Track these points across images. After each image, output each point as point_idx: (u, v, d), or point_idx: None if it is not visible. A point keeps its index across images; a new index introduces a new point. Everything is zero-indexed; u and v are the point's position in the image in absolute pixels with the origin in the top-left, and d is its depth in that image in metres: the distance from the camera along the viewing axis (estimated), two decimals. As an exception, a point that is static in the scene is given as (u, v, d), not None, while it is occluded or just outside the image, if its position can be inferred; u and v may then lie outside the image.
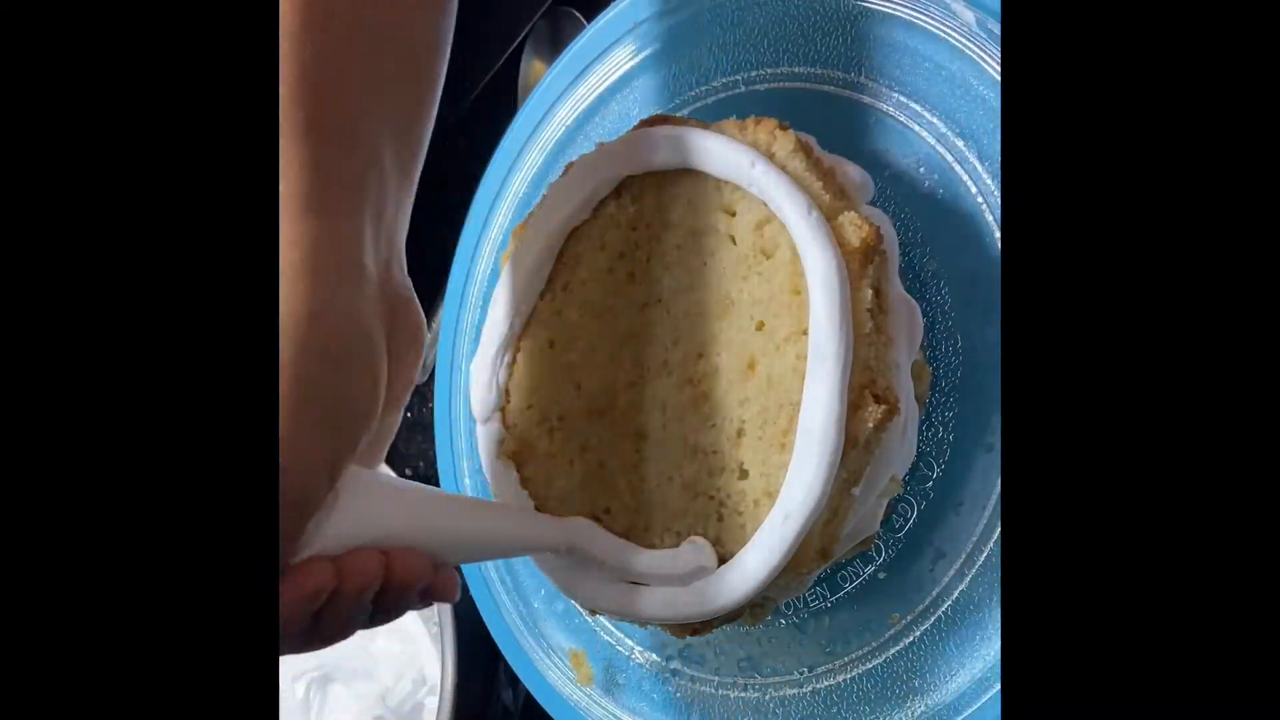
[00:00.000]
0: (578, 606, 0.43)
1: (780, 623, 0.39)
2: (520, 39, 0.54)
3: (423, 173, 0.40)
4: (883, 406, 0.32)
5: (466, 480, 0.48)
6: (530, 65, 0.54)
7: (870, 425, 0.32)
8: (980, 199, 0.37)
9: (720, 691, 0.40)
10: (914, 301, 0.36)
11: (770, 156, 0.34)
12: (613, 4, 0.45)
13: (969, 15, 0.36)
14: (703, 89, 0.43)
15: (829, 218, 0.33)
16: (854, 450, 0.32)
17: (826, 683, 0.38)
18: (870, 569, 0.38)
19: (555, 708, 0.44)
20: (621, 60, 0.45)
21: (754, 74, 0.42)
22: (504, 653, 0.46)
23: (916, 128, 0.38)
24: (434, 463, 0.50)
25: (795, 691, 0.39)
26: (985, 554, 0.35)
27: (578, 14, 0.52)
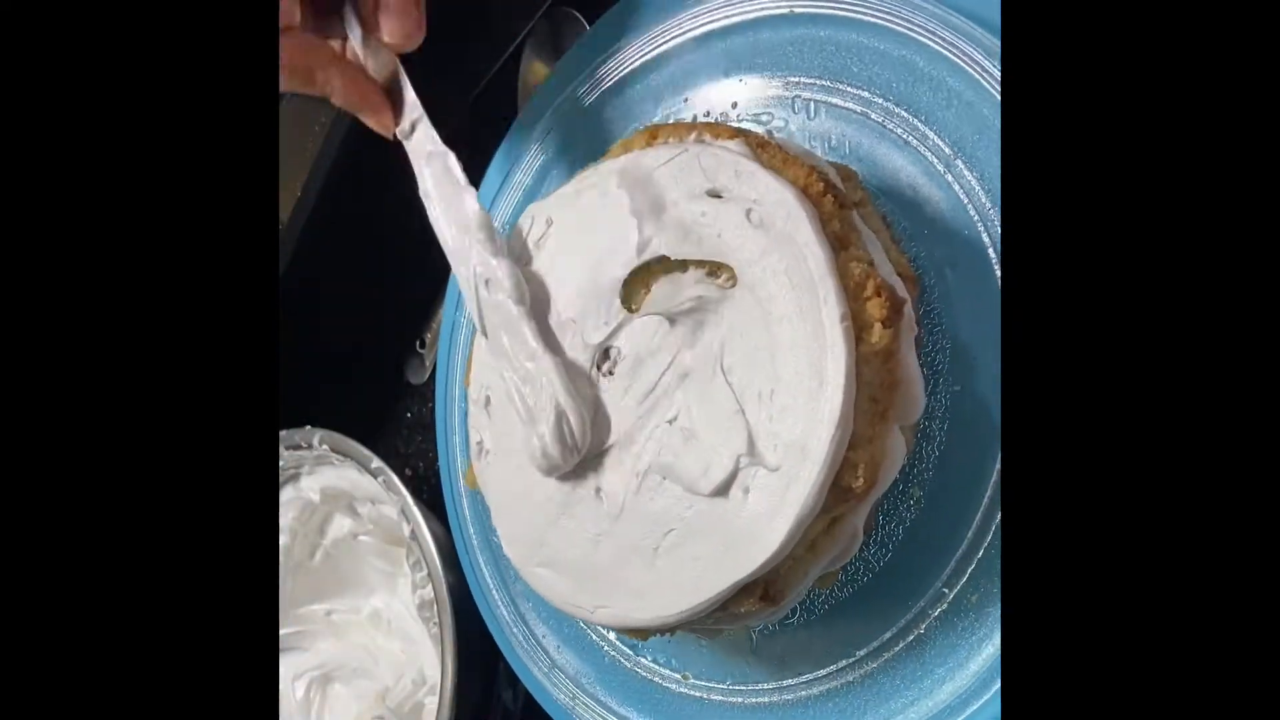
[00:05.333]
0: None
1: (781, 629, 0.39)
2: (520, 39, 0.54)
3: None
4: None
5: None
6: (530, 65, 0.54)
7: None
8: (972, 211, 0.36)
9: (714, 698, 0.40)
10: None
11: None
12: (613, 4, 0.45)
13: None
14: (705, 91, 0.43)
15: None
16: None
17: (839, 681, 0.38)
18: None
19: (555, 707, 0.44)
20: (623, 61, 0.45)
21: (760, 80, 0.41)
22: (504, 653, 0.46)
23: (914, 141, 0.38)
24: (434, 463, 0.50)
25: (788, 697, 0.39)
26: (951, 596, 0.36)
27: (577, 14, 0.52)
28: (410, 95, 0.42)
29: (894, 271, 0.35)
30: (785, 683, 0.38)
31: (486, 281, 0.38)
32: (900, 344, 0.33)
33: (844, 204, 0.34)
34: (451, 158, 0.40)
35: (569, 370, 0.36)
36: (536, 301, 0.38)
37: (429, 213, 0.41)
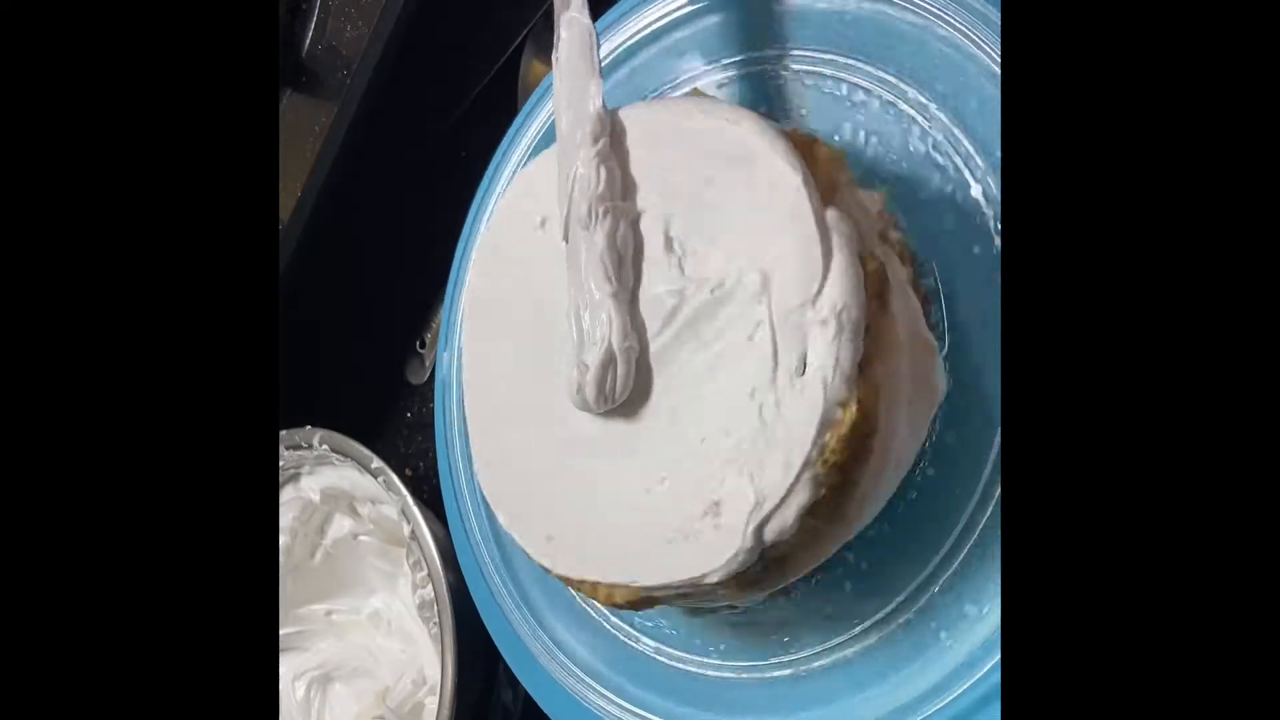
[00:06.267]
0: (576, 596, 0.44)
1: (786, 605, 0.39)
2: (520, 39, 0.54)
3: (422, 173, 0.39)
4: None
5: (465, 480, 0.48)
6: (530, 65, 0.54)
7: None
8: (976, 187, 0.37)
9: (722, 675, 0.40)
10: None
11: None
12: (613, 4, 0.45)
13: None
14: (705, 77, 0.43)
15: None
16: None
17: (844, 652, 0.38)
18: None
19: (555, 707, 0.44)
20: (622, 57, 0.45)
21: (765, 54, 0.42)
22: (503, 653, 0.46)
23: (916, 115, 0.38)
24: (434, 463, 0.50)
25: (793, 671, 0.39)
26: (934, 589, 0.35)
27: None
28: None
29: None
30: (833, 642, 0.38)
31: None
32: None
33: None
34: (593, 36, 0.38)
35: (632, 314, 0.35)
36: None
37: (554, 87, 0.38)
